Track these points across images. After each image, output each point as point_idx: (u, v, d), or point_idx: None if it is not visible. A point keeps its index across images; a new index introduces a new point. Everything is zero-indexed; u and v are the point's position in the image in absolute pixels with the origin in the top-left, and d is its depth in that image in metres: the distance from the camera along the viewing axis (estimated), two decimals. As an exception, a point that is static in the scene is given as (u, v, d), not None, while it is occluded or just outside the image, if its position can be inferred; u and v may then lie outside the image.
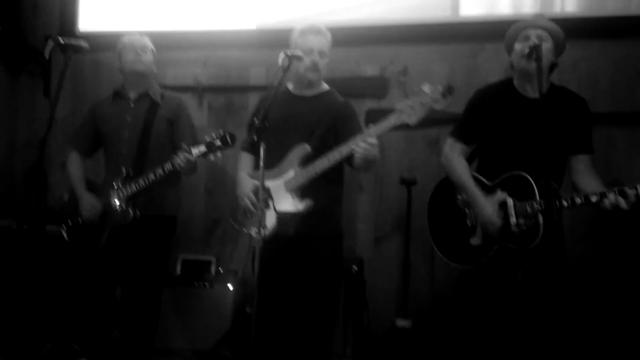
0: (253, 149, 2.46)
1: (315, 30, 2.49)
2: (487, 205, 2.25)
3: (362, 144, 2.21)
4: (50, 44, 2.34)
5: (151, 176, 2.55)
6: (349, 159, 2.35)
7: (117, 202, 2.60)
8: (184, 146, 2.48)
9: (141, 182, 2.57)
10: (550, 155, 2.05)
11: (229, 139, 2.42)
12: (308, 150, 2.40)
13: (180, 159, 2.48)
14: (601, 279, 2.97)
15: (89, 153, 2.87)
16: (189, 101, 3.60)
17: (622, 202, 2.05)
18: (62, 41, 2.35)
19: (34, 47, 3.66)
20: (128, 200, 2.59)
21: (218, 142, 2.43)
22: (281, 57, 2.28)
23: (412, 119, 2.16)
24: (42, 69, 3.55)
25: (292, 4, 3.46)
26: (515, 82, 2.34)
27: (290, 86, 2.59)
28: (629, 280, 2.91)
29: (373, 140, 2.20)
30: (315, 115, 2.47)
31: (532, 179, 2.17)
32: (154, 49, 2.80)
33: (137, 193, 2.58)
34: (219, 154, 2.46)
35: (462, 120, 2.43)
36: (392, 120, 2.21)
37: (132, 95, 2.75)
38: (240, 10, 3.53)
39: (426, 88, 2.17)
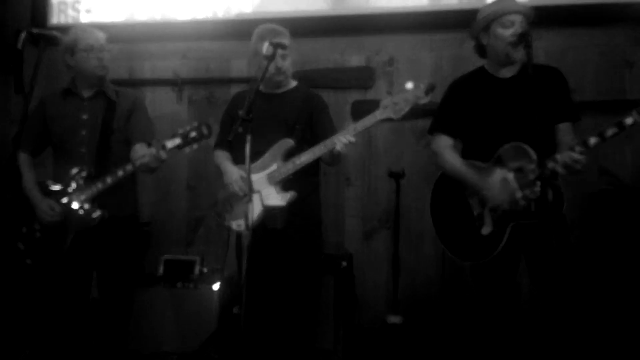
0: (227, 145, 2.45)
1: (273, 34, 2.42)
2: (492, 186, 2.21)
3: (344, 139, 2.27)
4: (23, 35, 2.21)
5: (119, 173, 2.43)
6: None
7: (78, 204, 2.47)
8: (159, 141, 2.37)
9: (107, 180, 2.45)
10: (536, 128, 2.04)
11: (204, 130, 2.32)
12: (292, 145, 2.41)
13: (148, 156, 2.35)
14: (593, 264, 2.92)
15: (37, 153, 2.72)
16: (168, 95, 3.52)
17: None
18: (34, 32, 2.23)
19: (5, 41, 3.51)
20: (92, 201, 2.47)
21: (193, 134, 2.32)
22: (265, 46, 2.27)
23: (396, 114, 2.26)
24: (14, 63, 3.38)
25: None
26: (488, 66, 2.33)
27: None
28: (619, 267, 2.87)
29: (353, 138, 2.28)
30: (292, 109, 2.48)
31: (524, 144, 2.13)
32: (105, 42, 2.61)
33: (102, 193, 2.46)
34: (195, 146, 2.36)
35: (441, 114, 2.40)
36: (377, 115, 2.29)
37: (86, 93, 2.62)
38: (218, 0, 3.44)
39: (409, 85, 2.24)
